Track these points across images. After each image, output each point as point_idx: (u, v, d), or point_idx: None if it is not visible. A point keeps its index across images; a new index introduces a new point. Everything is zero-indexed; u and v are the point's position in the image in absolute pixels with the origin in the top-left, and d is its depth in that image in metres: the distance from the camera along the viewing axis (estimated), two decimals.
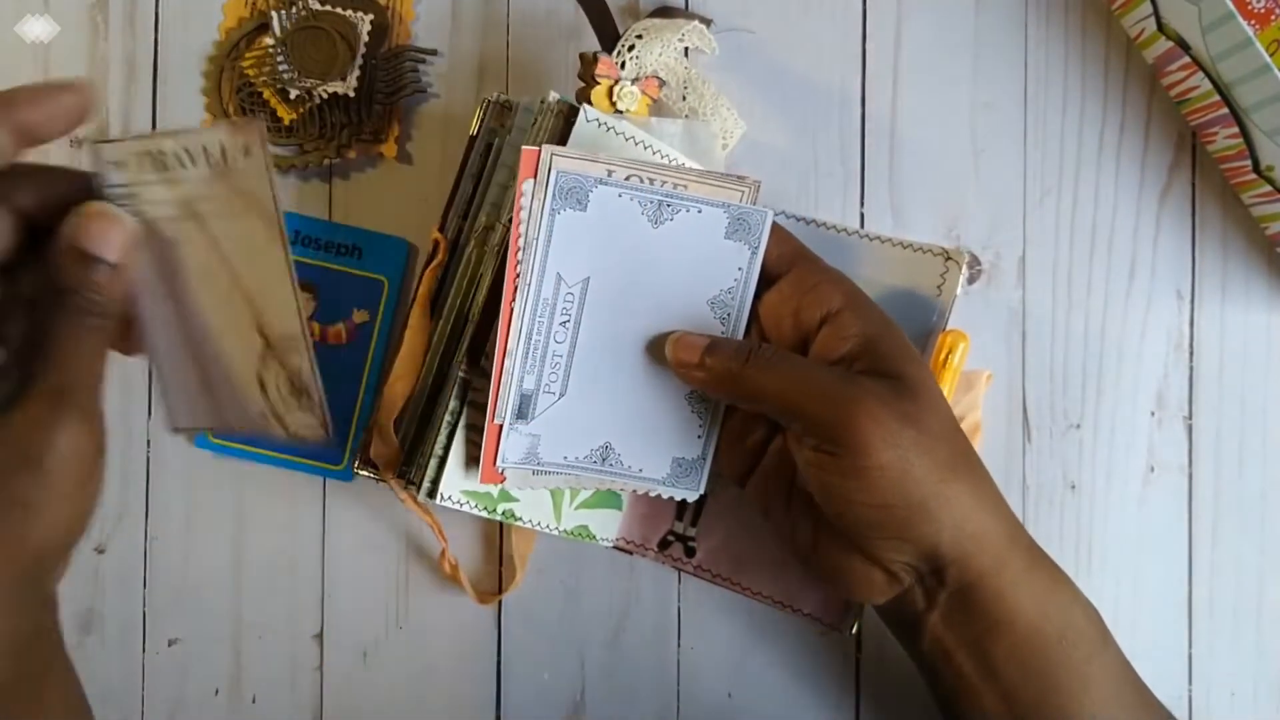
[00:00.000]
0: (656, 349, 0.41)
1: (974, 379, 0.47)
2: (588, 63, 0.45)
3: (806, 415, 0.37)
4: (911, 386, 0.37)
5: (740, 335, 0.42)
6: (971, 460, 0.38)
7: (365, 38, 0.49)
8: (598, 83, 0.45)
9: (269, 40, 0.49)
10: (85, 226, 0.31)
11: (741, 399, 0.40)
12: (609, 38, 0.46)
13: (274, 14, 0.49)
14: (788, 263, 0.41)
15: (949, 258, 0.44)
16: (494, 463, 0.41)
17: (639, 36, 0.46)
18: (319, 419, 0.36)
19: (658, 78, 0.46)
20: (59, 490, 0.29)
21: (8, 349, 0.32)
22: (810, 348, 0.40)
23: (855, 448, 0.35)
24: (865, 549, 0.38)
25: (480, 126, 0.45)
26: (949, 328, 0.44)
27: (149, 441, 0.49)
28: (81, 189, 0.33)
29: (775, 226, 0.41)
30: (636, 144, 0.42)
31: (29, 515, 0.28)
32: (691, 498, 0.43)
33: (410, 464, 0.44)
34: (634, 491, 0.44)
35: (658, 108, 0.47)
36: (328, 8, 0.49)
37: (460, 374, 0.42)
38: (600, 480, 0.43)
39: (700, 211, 0.40)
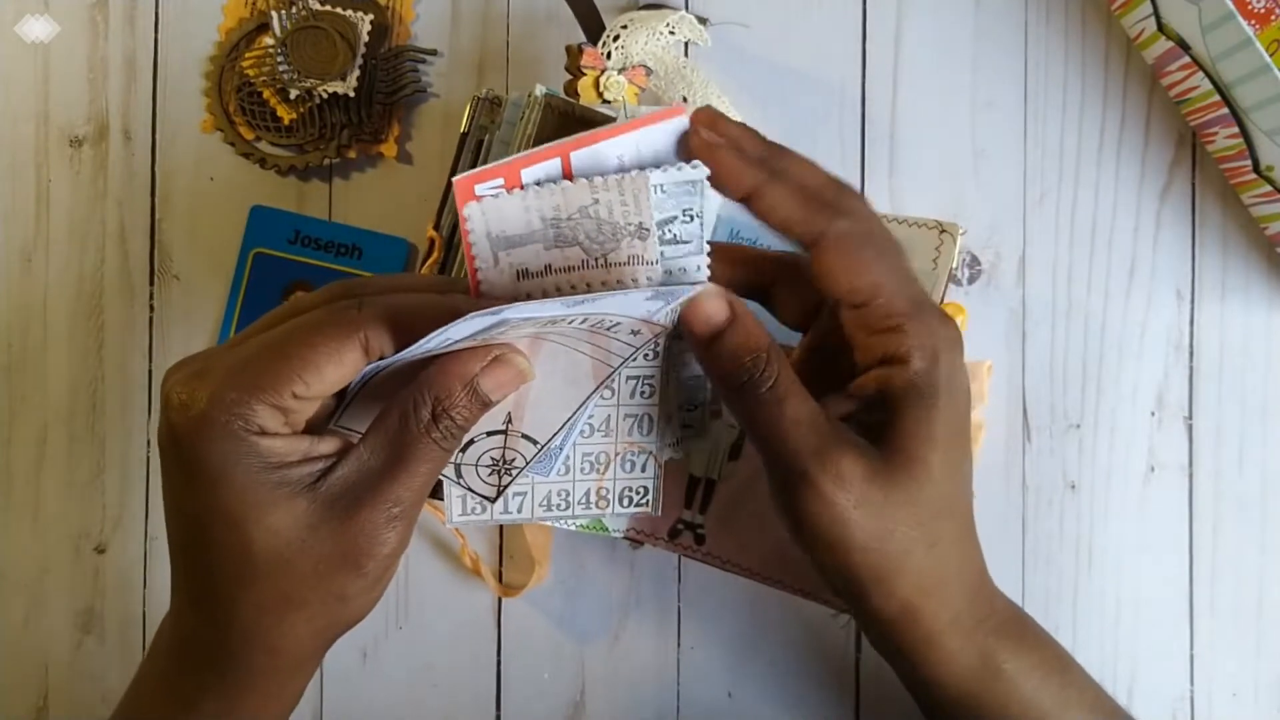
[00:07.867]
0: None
1: (974, 370, 0.47)
2: (573, 54, 0.45)
3: (769, 469, 0.34)
4: (906, 466, 0.33)
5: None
6: (919, 550, 0.34)
7: (365, 38, 0.49)
8: (584, 74, 0.45)
9: (269, 40, 0.49)
10: (491, 370, 0.32)
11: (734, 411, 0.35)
12: (594, 30, 0.46)
13: (274, 14, 0.49)
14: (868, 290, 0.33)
15: (943, 230, 0.44)
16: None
17: (624, 27, 0.46)
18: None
19: (645, 67, 0.46)
20: (368, 585, 0.33)
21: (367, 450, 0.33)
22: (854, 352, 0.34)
23: (793, 527, 0.34)
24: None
25: (471, 124, 0.45)
26: (945, 301, 0.44)
27: (149, 441, 0.49)
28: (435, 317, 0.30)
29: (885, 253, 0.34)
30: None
31: (343, 606, 0.33)
32: (654, 514, 0.40)
33: None
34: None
35: (648, 97, 0.47)
36: (328, 8, 0.49)
37: None
38: (550, 516, 0.38)
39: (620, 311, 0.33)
